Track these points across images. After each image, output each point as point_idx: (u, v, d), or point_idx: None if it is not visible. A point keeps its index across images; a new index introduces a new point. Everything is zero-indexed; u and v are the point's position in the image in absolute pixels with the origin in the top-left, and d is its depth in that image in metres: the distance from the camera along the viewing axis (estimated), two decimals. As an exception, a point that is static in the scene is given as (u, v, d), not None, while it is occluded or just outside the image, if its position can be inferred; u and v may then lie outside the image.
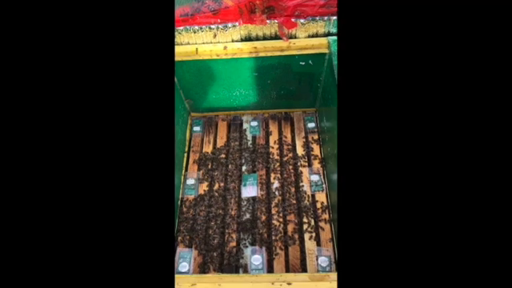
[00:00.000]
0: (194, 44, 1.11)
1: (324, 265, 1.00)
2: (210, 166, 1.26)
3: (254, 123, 1.36)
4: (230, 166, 1.25)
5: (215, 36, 1.10)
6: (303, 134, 1.32)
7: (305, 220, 1.10)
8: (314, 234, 1.07)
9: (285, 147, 1.29)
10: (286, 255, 1.05)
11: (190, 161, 1.28)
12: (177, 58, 1.11)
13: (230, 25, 1.07)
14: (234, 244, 1.07)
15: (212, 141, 1.34)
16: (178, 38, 1.10)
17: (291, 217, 1.11)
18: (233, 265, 1.03)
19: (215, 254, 1.06)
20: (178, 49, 1.10)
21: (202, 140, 1.34)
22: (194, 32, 1.08)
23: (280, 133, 1.34)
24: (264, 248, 1.06)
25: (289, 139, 1.32)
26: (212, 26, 1.07)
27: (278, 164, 1.24)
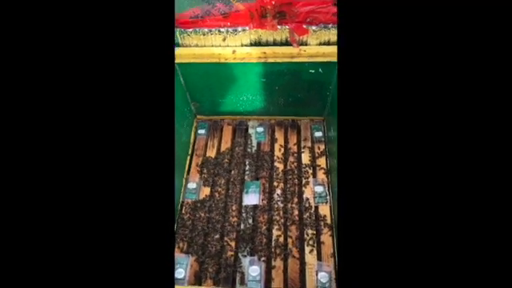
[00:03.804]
0: (202, 46, 1.09)
1: (324, 281, 0.96)
2: (212, 171, 1.24)
3: (260, 129, 1.34)
4: (232, 172, 1.23)
5: (225, 39, 1.08)
6: (309, 143, 1.29)
7: (306, 232, 1.06)
8: (315, 248, 1.04)
9: (290, 155, 1.26)
10: (285, 268, 1.02)
11: (193, 164, 1.26)
12: (184, 60, 1.10)
13: (240, 29, 1.05)
14: (232, 253, 1.05)
15: (216, 145, 1.32)
16: (186, 40, 1.08)
17: (292, 228, 1.08)
18: (230, 275, 1.00)
19: (212, 261, 1.03)
20: (184, 51, 1.08)
21: (206, 143, 1.32)
22: (204, 34, 1.06)
23: (286, 140, 1.31)
24: (262, 259, 1.03)
25: (294, 147, 1.28)
26: (222, 29, 1.05)
27: (281, 172, 1.21)
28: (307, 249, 1.03)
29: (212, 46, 1.09)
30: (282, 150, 1.28)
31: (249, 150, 1.30)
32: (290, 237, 1.07)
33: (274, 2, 0.98)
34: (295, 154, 1.26)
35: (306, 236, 1.06)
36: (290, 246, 1.05)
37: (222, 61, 1.09)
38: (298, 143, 1.30)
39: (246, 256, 1.05)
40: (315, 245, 1.04)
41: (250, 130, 1.35)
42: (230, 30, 1.05)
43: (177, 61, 1.10)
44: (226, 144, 1.31)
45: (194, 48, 1.09)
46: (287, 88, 1.20)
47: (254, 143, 1.31)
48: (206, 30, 1.05)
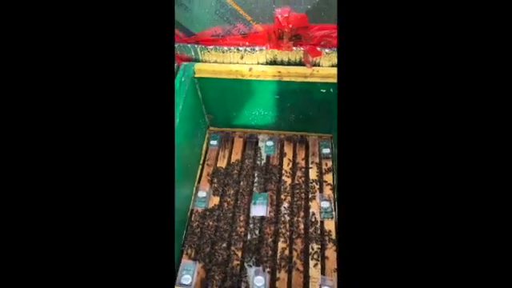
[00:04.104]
0: (221, 63, 1.15)
1: (327, 295, 0.98)
2: (222, 181, 1.28)
3: (270, 143, 1.38)
4: (241, 183, 1.27)
5: (242, 57, 1.14)
6: (317, 159, 1.33)
7: (311, 246, 1.09)
8: (319, 262, 1.06)
9: (298, 170, 1.29)
10: (290, 280, 1.04)
11: (204, 173, 1.31)
12: (203, 75, 1.16)
13: (257, 48, 1.12)
14: (238, 262, 1.08)
15: (227, 156, 1.36)
16: (206, 56, 1.15)
17: (298, 241, 1.11)
18: (235, 284, 1.03)
19: (219, 270, 1.06)
20: (203, 66, 1.15)
21: (218, 154, 1.37)
22: (223, 52, 1.13)
23: (294, 155, 1.36)
24: (267, 270, 1.06)
25: (302, 162, 1.33)
26: (240, 48, 1.12)
27: (289, 186, 1.25)
28: (311, 263, 1.06)
29: (230, 63, 1.15)
30: (291, 164, 1.32)
31: (258, 162, 1.34)
32: (295, 250, 1.09)
33: (291, 26, 1.04)
34: (303, 169, 1.30)
35: (310, 250, 1.09)
36: (294, 258, 1.08)
37: (239, 77, 1.16)
38: (306, 158, 1.35)
39: (251, 266, 1.07)
40: (319, 259, 1.07)
41: (260, 144, 1.40)
42: (248, 49, 1.12)
43: (196, 75, 1.16)
44: (236, 155, 1.36)
45: (213, 64, 1.16)
46: (299, 105, 1.26)
47: (264, 156, 1.36)
48: (225, 47, 1.12)
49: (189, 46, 1.13)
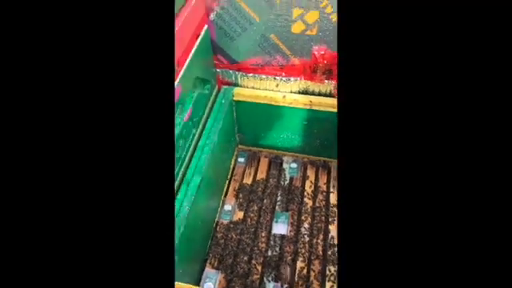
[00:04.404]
0: (258, 89, 1.27)
1: (341, 317, 1.02)
2: (247, 197, 1.36)
3: (294, 165, 1.46)
4: (265, 201, 1.34)
5: (277, 85, 1.25)
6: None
7: (328, 269, 1.14)
8: (335, 285, 1.10)
9: (319, 193, 1.36)
10: (306, 299, 1.09)
11: (230, 188, 1.39)
12: (240, 99, 1.28)
13: (292, 78, 1.23)
14: (257, 276, 1.13)
15: (253, 173, 1.45)
16: (245, 82, 1.27)
17: (316, 262, 1.16)
18: (254, 296, 1.09)
19: (239, 282, 1.12)
20: (241, 91, 1.27)
21: (244, 171, 1.46)
22: (261, 79, 1.24)
23: (316, 179, 1.42)
24: (285, 286, 1.11)
25: (324, 186, 1.39)
26: (277, 77, 1.23)
27: (310, 208, 1.31)
28: (328, 284, 1.11)
29: (266, 89, 1.26)
30: (312, 187, 1.39)
31: (282, 182, 1.42)
32: (313, 270, 1.14)
33: (325, 62, 1.15)
34: (324, 193, 1.37)
35: (327, 272, 1.13)
36: (312, 278, 1.12)
37: (273, 103, 1.26)
38: (328, 183, 1.41)
39: (270, 281, 1.13)
40: (336, 281, 1.11)
41: (285, 165, 1.48)
42: (284, 78, 1.23)
43: (234, 98, 1.28)
44: (261, 174, 1.44)
45: (251, 89, 1.27)
46: (325, 133, 1.34)
47: (287, 177, 1.43)
48: (263, 76, 1.23)
49: (230, 71, 1.26)
